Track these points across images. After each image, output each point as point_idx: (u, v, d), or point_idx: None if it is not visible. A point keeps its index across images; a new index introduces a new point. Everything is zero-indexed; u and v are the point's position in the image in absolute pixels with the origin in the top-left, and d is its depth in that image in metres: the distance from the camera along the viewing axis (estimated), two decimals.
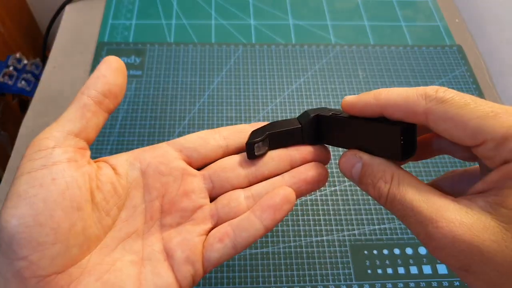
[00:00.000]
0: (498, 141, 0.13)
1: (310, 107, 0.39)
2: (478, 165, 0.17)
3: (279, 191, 0.18)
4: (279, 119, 0.38)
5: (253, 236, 0.18)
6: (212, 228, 0.18)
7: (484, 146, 0.14)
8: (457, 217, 0.13)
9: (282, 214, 0.18)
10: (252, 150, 0.19)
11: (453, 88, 0.42)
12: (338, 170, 0.35)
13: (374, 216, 0.33)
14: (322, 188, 0.34)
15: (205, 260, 0.17)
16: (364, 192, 0.34)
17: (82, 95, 0.18)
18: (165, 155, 0.19)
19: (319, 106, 0.39)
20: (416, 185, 0.15)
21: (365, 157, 0.17)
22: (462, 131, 0.14)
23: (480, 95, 0.41)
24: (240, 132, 0.20)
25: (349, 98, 0.17)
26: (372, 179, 0.16)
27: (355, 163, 0.17)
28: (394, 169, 0.16)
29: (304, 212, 0.32)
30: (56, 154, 0.16)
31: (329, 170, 0.35)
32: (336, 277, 0.30)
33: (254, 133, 0.20)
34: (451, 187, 0.18)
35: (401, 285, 0.29)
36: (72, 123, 0.17)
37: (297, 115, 0.34)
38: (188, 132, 0.37)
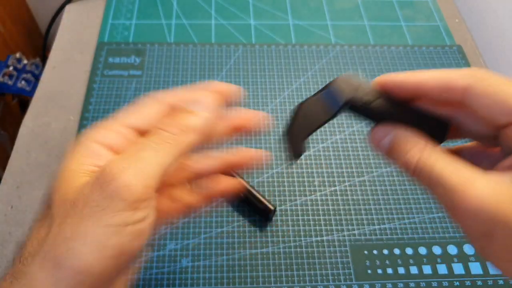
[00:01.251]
0: None
1: None
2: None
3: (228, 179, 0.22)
4: (279, 119, 0.38)
5: (193, 204, 0.21)
6: None
7: None
8: (486, 186, 0.14)
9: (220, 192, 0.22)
10: (300, 154, 0.19)
11: None
12: (338, 171, 0.35)
13: (374, 216, 0.33)
14: (322, 188, 0.34)
15: None
16: (364, 192, 0.34)
17: None
18: None
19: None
20: (445, 156, 0.15)
21: (397, 129, 0.17)
22: (501, 107, 0.14)
23: None
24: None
25: (384, 77, 0.17)
26: (404, 148, 0.16)
27: (386, 134, 0.17)
28: (424, 141, 0.16)
29: (304, 212, 0.33)
30: None
31: (328, 171, 0.35)
32: (336, 277, 0.30)
33: (292, 134, 0.19)
34: (470, 159, 0.17)
35: (401, 285, 0.29)
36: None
37: None
38: None
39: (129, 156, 0.16)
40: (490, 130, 0.16)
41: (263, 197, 0.31)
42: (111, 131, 0.17)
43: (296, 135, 0.19)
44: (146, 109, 0.18)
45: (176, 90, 0.19)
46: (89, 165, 0.16)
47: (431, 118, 0.17)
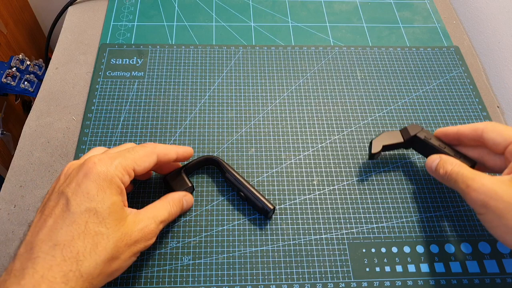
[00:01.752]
0: None
1: (309, 108, 0.40)
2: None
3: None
4: (279, 119, 0.39)
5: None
6: None
7: (510, 146, 0.27)
8: (489, 179, 0.25)
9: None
10: (373, 157, 0.34)
11: (450, 88, 0.42)
12: (337, 170, 0.35)
13: (372, 215, 0.33)
14: (321, 187, 0.34)
15: None
16: (362, 191, 0.34)
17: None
18: None
19: (318, 107, 0.40)
20: (467, 168, 0.28)
21: (443, 155, 0.30)
22: (502, 137, 0.28)
23: (477, 95, 0.42)
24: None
25: (442, 129, 0.32)
26: (444, 166, 0.29)
27: (436, 160, 0.30)
28: (458, 162, 0.29)
29: (303, 211, 0.33)
30: None
31: (327, 170, 0.35)
32: (334, 275, 0.30)
33: (375, 143, 0.33)
34: (479, 155, 0.31)
35: (399, 283, 0.30)
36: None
37: (296, 116, 0.39)
38: (189, 133, 0.37)
39: (157, 220, 0.27)
40: (503, 162, 0.28)
41: (263, 196, 0.31)
42: (125, 174, 0.25)
43: (377, 145, 0.33)
44: (150, 164, 0.27)
45: (164, 148, 0.29)
46: (119, 201, 0.25)
47: (463, 155, 0.31)
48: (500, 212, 0.23)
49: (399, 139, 0.34)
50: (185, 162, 0.34)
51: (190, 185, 0.31)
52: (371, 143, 0.34)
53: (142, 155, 0.26)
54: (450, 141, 0.31)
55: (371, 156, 0.34)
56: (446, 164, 0.28)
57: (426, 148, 0.33)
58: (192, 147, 0.35)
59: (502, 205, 0.23)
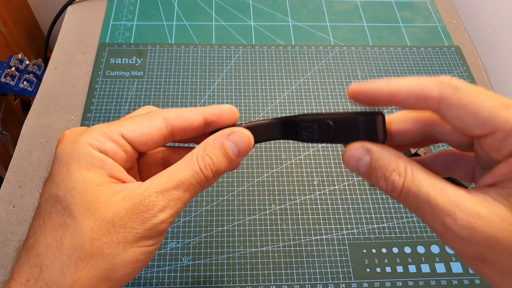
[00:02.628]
0: (508, 132, 0.13)
1: (309, 108, 0.39)
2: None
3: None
4: None
5: None
6: None
7: (493, 136, 0.14)
8: (474, 209, 0.14)
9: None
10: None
11: None
12: (337, 170, 0.35)
13: (373, 215, 0.33)
14: (321, 187, 0.34)
15: None
16: (363, 192, 0.34)
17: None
18: None
19: (318, 108, 0.40)
20: (429, 177, 0.15)
21: (375, 148, 0.16)
22: (474, 119, 0.14)
23: None
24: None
25: (355, 86, 0.17)
26: (384, 172, 0.15)
27: (363, 156, 0.16)
28: (406, 160, 0.15)
29: (304, 211, 0.33)
30: None
31: (328, 170, 0.35)
32: (335, 275, 0.30)
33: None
34: (445, 166, 0.18)
35: (400, 283, 0.30)
36: None
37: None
38: None
39: (167, 191, 0.17)
40: (465, 139, 0.16)
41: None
42: (110, 141, 0.18)
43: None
44: (151, 131, 0.18)
45: (181, 115, 0.19)
46: (102, 177, 0.17)
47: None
48: (507, 268, 0.14)
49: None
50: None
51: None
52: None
53: (138, 118, 0.19)
54: (376, 104, 0.17)
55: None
56: (389, 169, 0.15)
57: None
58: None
59: (509, 258, 0.14)
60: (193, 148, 0.19)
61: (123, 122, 0.18)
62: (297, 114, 0.20)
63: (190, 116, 0.19)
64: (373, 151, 0.16)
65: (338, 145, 0.37)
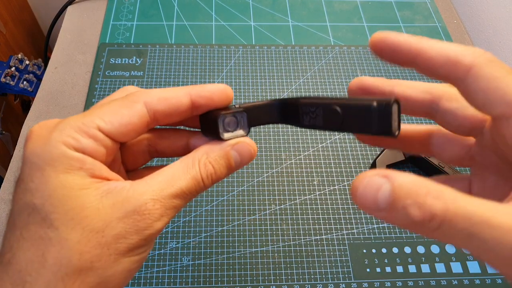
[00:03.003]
0: None
1: None
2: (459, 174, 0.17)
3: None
4: None
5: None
6: None
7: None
8: None
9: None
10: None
11: None
12: (337, 170, 0.35)
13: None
14: (321, 187, 0.34)
15: None
16: None
17: None
18: None
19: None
20: (467, 196, 0.12)
21: (393, 174, 0.12)
22: (501, 95, 0.13)
23: None
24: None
25: (382, 33, 0.15)
26: (415, 198, 0.12)
27: (380, 185, 0.12)
28: (433, 182, 0.12)
29: (304, 211, 0.33)
30: None
31: (328, 170, 0.35)
32: (335, 275, 0.30)
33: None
34: (438, 145, 0.17)
35: (400, 283, 0.30)
36: None
37: None
38: None
39: (165, 199, 0.15)
40: (468, 122, 0.15)
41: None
42: (84, 136, 0.15)
43: (381, 166, 0.26)
44: (131, 120, 0.16)
45: (165, 98, 0.17)
46: (83, 178, 0.15)
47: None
48: None
49: (401, 157, 0.34)
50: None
51: (244, 133, 0.18)
52: (374, 162, 0.34)
53: (115, 106, 0.16)
54: (400, 61, 0.15)
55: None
56: (420, 196, 0.12)
57: (427, 166, 0.32)
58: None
59: None
60: (180, 130, 0.18)
61: (98, 112, 0.16)
62: (298, 96, 0.18)
63: (176, 98, 0.17)
64: (392, 176, 0.12)
65: (336, 146, 0.37)
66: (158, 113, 0.16)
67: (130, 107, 0.16)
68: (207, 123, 0.18)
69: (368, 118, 0.14)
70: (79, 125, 0.15)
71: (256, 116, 0.18)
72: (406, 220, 0.12)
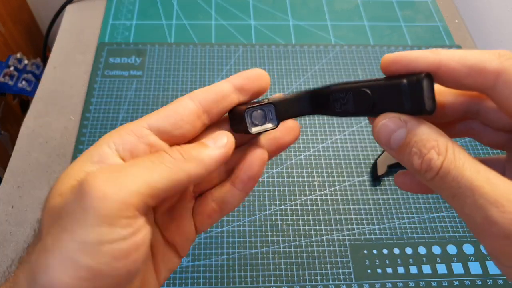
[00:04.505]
0: None
1: None
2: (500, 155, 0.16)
3: (254, 157, 0.17)
4: None
5: (237, 205, 0.18)
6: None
7: None
8: None
9: (260, 176, 0.18)
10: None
11: None
12: (338, 170, 0.35)
13: (373, 216, 0.33)
14: (321, 188, 0.34)
15: (198, 233, 0.19)
16: (363, 192, 0.34)
17: None
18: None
19: None
20: (473, 162, 0.13)
21: (412, 121, 0.14)
22: None
23: None
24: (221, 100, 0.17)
25: (391, 55, 0.14)
26: (421, 148, 0.13)
27: (397, 128, 0.14)
28: (448, 139, 0.13)
29: (304, 212, 0.33)
30: None
31: (328, 171, 0.35)
32: (336, 276, 0.30)
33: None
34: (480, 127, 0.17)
35: (401, 284, 0.30)
36: None
37: None
38: None
39: (117, 168, 0.14)
40: (496, 133, 0.15)
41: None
42: (131, 134, 0.16)
43: (382, 166, 0.31)
44: (178, 110, 0.16)
45: (207, 89, 0.17)
46: (88, 171, 0.14)
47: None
48: None
49: None
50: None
51: (272, 126, 0.17)
52: (375, 163, 0.34)
53: (162, 108, 0.17)
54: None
55: (377, 177, 0.34)
56: (428, 146, 0.13)
57: None
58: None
59: None
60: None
61: (149, 115, 0.16)
62: (329, 84, 0.18)
63: (217, 86, 0.17)
64: (411, 123, 0.14)
65: (336, 147, 0.37)
66: (203, 102, 0.16)
67: (174, 103, 0.16)
68: (236, 118, 0.17)
69: (399, 97, 0.14)
70: (129, 126, 0.16)
71: (285, 108, 0.17)
72: (408, 165, 0.14)
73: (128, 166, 0.14)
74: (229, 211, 0.18)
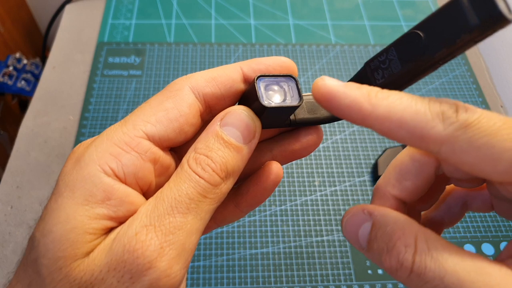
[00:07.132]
0: None
1: None
2: None
3: (270, 184, 0.15)
4: None
5: (235, 221, 0.17)
6: None
7: None
8: None
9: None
10: None
11: (453, 87, 0.42)
12: (338, 171, 0.35)
13: None
14: (322, 188, 0.34)
15: None
16: (364, 192, 0.34)
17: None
18: None
19: None
20: (451, 248, 0.11)
21: (378, 211, 0.12)
22: (492, 165, 0.10)
23: (480, 95, 0.41)
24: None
25: (324, 83, 0.12)
26: (387, 242, 0.11)
27: (363, 222, 0.12)
28: (417, 227, 0.11)
29: (305, 213, 0.32)
30: None
31: (329, 171, 0.35)
32: (336, 277, 0.29)
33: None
34: (461, 208, 0.16)
35: (402, 285, 0.29)
36: None
37: None
38: None
39: (159, 221, 0.11)
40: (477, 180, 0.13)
41: None
42: (129, 151, 0.12)
43: (383, 167, 0.29)
44: (182, 109, 0.13)
45: (213, 78, 0.14)
46: (99, 219, 0.12)
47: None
48: None
49: None
50: None
51: (295, 103, 0.14)
52: (376, 163, 0.34)
53: (155, 101, 0.13)
54: (346, 119, 0.13)
55: (378, 178, 0.34)
56: (391, 241, 0.11)
57: None
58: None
59: None
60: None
61: (140, 114, 0.13)
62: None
63: (225, 76, 0.14)
64: (375, 214, 0.12)
65: (337, 147, 0.37)
66: (208, 96, 0.14)
67: (174, 96, 0.13)
68: (244, 96, 0.14)
69: (460, 14, 0.11)
70: (120, 136, 0.12)
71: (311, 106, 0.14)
72: (380, 265, 0.11)
73: (169, 214, 0.12)
74: (225, 224, 0.17)
